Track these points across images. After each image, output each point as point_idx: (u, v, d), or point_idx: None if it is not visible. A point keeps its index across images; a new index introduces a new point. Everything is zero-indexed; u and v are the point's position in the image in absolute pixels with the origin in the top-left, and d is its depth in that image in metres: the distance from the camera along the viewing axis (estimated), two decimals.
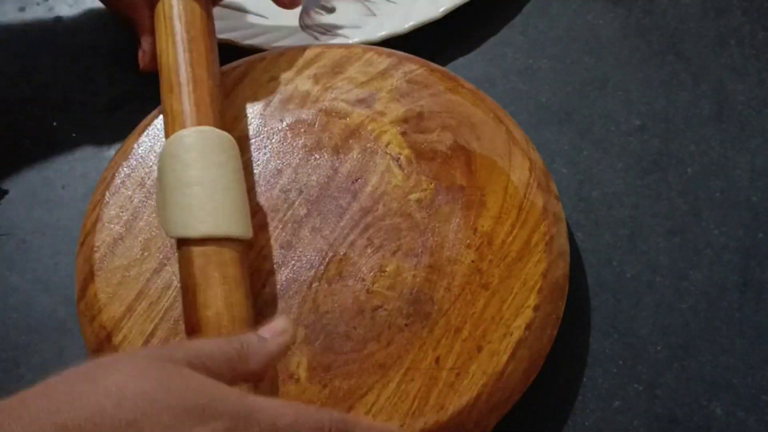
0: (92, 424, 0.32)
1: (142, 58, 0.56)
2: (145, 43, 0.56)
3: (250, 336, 0.39)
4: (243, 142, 0.52)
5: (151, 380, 0.33)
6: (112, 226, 0.50)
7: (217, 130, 0.48)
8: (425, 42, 0.59)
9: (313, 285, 0.48)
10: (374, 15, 0.61)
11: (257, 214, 0.50)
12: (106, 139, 0.57)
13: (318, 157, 0.52)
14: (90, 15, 0.64)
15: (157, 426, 0.32)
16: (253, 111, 0.54)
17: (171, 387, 0.33)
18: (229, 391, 0.35)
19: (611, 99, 0.58)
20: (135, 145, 0.53)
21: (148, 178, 0.51)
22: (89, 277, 0.49)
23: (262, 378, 0.39)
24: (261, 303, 0.47)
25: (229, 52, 0.58)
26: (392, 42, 0.58)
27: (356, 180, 0.51)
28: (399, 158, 0.51)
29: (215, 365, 0.36)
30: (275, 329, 0.40)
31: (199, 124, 0.48)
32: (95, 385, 0.33)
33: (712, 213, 0.53)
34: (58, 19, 0.64)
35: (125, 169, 0.52)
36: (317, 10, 0.61)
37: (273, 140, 0.52)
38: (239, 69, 0.55)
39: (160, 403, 0.33)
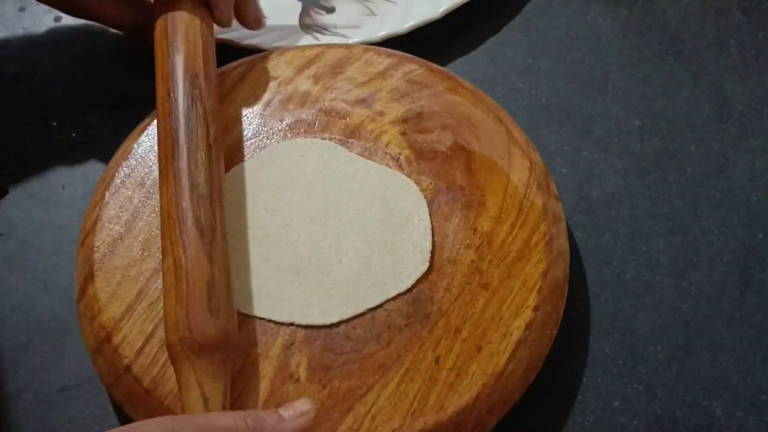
0: None
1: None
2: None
3: (269, 413, 0.40)
4: (243, 143, 0.52)
5: None
6: (112, 226, 0.50)
7: None
8: (425, 42, 0.59)
9: None
10: (374, 15, 0.61)
11: None
12: (106, 139, 0.57)
13: None
14: None
15: None
16: (253, 111, 0.54)
17: None
18: None
19: (611, 99, 0.58)
20: (135, 145, 0.53)
21: (148, 178, 0.51)
22: (89, 277, 0.49)
23: None
24: None
25: (229, 52, 0.58)
26: (392, 42, 0.58)
27: None
28: (399, 158, 0.51)
29: None
30: (296, 410, 0.41)
31: None
32: None
33: (712, 213, 0.53)
34: (58, 19, 0.64)
35: (125, 169, 0.52)
36: (317, 10, 0.61)
37: (273, 140, 0.52)
38: (239, 69, 0.55)
39: None
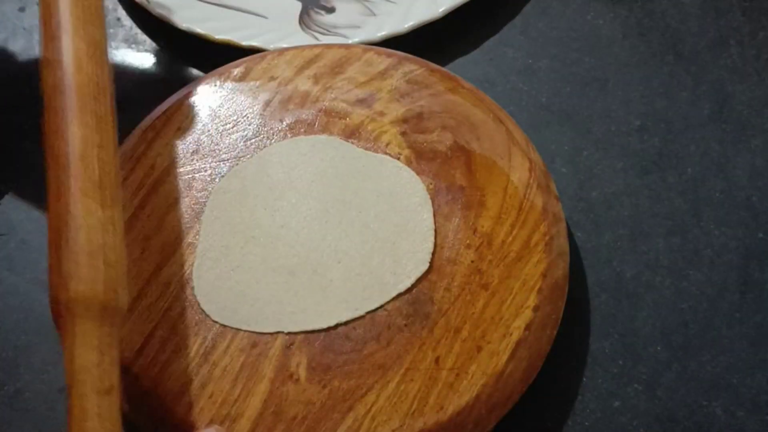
0: None
1: None
2: None
3: None
4: (243, 143, 0.52)
5: None
6: None
7: None
8: (425, 42, 0.59)
9: None
10: (374, 15, 0.61)
11: None
12: None
13: None
14: None
15: None
16: (253, 111, 0.54)
17: None
18: None
19: (611, 99, 0.58)
20: (135, 145, 0.53)
21: (148, 179, 0.51)
22: None
23: None
24: None
25: (229, 52, 0.58)
26: (392, 42, 0.58)
27: None
28: (399, 158, 0.51)
29: None
30: None
31: None
32: None
33: (712, 213, 0.53)
34: None
35: (125, 169, 0.52)
36: (317, 10, 0.62)
37: (273, 140, 0.52)
38: (239, 69, 0.55)
39: None
